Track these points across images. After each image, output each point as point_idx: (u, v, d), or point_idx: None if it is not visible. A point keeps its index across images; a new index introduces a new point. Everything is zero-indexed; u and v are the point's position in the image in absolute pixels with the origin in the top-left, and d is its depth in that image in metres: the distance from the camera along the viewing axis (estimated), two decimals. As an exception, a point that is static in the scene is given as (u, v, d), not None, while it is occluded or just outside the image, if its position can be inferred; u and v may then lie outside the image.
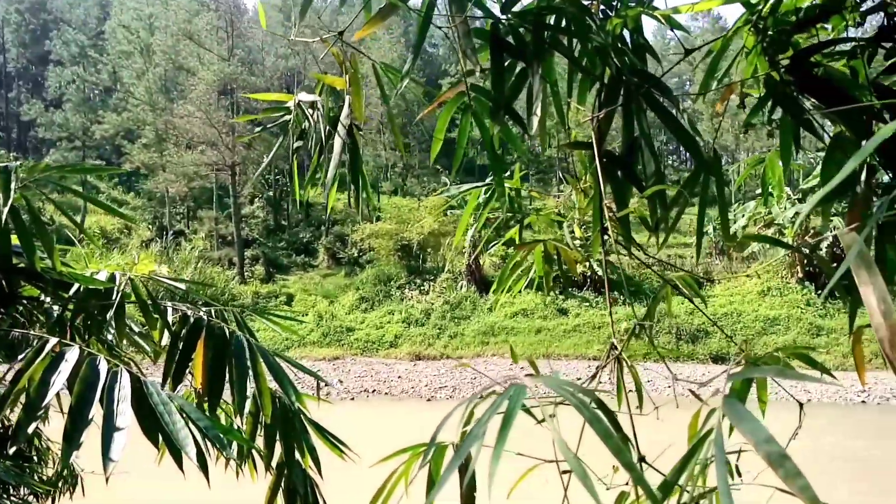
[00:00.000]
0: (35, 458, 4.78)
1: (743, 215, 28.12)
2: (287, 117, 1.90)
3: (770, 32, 1.55)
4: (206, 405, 2.48)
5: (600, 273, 29.89)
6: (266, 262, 37.11)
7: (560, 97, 1.75)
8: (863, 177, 1.46)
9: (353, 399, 22.29)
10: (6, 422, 3.88)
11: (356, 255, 36.89)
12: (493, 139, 1.78)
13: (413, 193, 42.87)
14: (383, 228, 34.54)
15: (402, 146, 1.94)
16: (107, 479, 1.58)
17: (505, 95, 1.62)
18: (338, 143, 1.81)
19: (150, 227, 41.01)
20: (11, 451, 3.39)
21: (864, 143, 1.53)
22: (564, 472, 1.25)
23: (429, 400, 22.41)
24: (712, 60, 1.78)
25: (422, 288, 32.78)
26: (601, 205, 1.57)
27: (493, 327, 29.08)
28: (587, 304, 29.80)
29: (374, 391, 23.37)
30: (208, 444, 2.13)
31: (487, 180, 2.34)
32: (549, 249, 2.10)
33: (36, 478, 4.48)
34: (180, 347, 2.68)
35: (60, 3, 66.49)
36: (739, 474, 1.96)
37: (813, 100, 1.56)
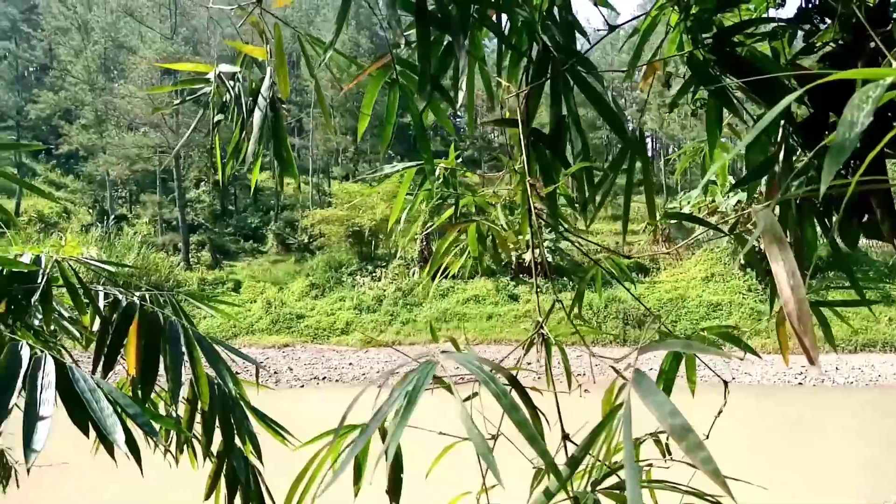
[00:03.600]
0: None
1: (688, 203, 28.82)
2: (207, 89, 1.81)
3: (693, 10, 1.55)
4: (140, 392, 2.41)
5: (550, 259, 30.26)
6: (212, 248, 36.29)
7: (487, 73, 1.72)
8: (780, 157, 1.48)
9: (302, 386, 22.06)
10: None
11: (306, 241, 36.40)
12: (423, 116, 1.75)
13: (365, 179, 42.48)
14: (334, 214, 34.15)
15: (329, 121, 1.88)
16: (28, 471, 1.50)
17: (431, 69, 1.58)
18: (257, 116, 1.74)
19: (91, 211, 39.58)
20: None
21: (782, 123, 1.55)
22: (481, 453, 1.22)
23: (380, 387, 22.38)
24: (640, 38, 1.78)
25: (374, 274, 32.60)
26: (526, 183, 1.55)
27: (446, 313, 29.16)
28: (538, 290, 30.17)
29: (324, 378, 23.18)
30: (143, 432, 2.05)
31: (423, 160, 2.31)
32: (481, 230, 2.07)
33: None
34: (111, 333, 2.57)
35: (-10, -25, 63.16)
36: (669, 452, 1.98)
37: (735, 80, 1.57)
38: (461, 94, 1.53)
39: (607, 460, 1.13)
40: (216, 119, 1.82)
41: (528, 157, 1.56)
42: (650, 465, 1.94)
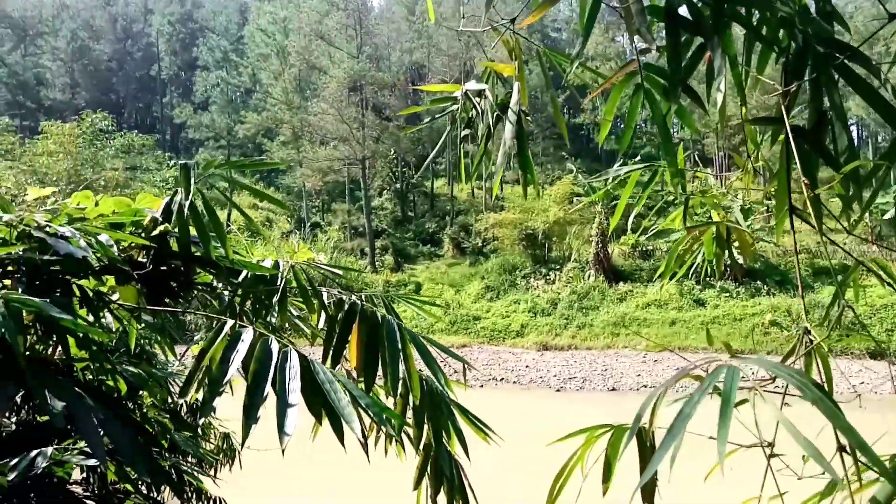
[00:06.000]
0: (199, 432, 5.26)
1: (904, 197, 25.44)
2: (454, 107, 1.96)
3: None
4: (361, 385, 2.58)
5: (741, 262, 28.22)
6: (395, 252, 38.32)
7: (738, 72, 1.67)
8: None
9: (482, 386, 22.57)
10: (174, 399, 4.27)
11: (480, 244, 37.20)
12: (666, 118, 1.74)
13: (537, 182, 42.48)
14: (507, 218, 34.51)
15: (565, 131, 1.95)
16: (283, 452, 1.68)
17: (682, 72, 1.58)
18: (509, 128, 1.85)
19: (289, 219, 43.60)
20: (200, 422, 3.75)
21: None
22: (772, 455, 1.21)
23: (558, 390, 22.26)
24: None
25: (547, 277, 32.47)
26: (789, 182, 1.49)
27: (624, 318, 28.24)
28: (727, 294, 28.12)
29: (502, 379, 23.55)
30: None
31: (646, 162, 2.29)
32: (720, 231, 2.02)
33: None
34: (337, 330, 2.78)
35: (205, 12, 71.82)
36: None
37: None
38: (719, 96, 1.51)
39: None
40: (463, 133, 1.96)
41: (791, 156, 1.50)
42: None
